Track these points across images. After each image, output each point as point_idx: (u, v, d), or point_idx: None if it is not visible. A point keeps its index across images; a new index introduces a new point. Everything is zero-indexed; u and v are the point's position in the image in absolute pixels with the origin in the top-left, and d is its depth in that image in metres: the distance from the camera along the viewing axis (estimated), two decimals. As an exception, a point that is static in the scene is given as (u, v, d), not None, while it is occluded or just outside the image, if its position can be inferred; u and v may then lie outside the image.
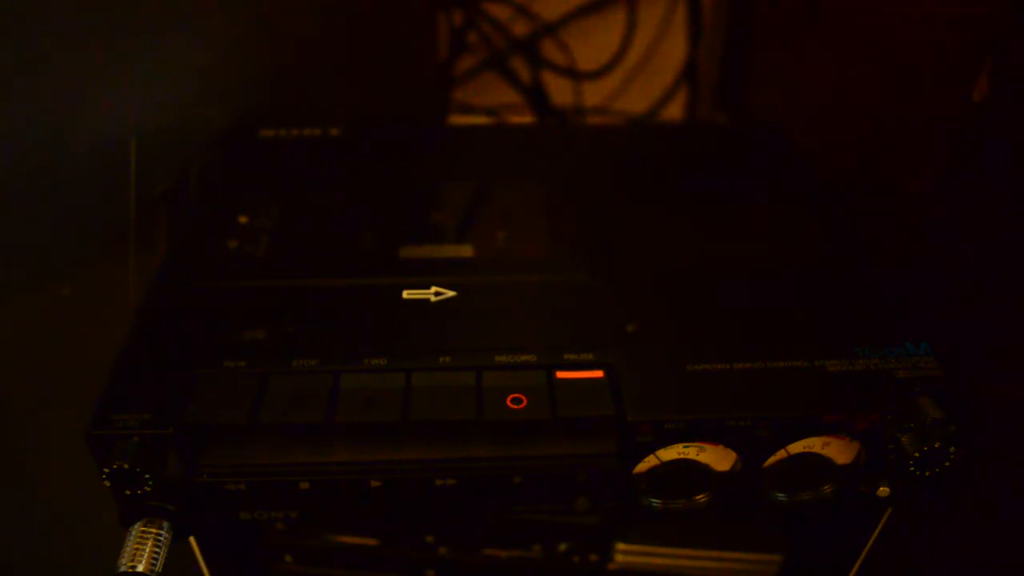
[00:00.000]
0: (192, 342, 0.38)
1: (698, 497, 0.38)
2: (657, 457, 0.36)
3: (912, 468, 0.35)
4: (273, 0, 0.58)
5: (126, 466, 0.33)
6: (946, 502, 0.39)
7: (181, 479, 0.35)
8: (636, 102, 0.82)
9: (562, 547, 0.47)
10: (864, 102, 0.51)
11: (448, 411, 0.35)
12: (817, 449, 0.36)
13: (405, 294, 0.41)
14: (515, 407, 0.35)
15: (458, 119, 0.82)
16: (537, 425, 0.35)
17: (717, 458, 0.36)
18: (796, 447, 0.36)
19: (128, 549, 0.34)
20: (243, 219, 0.46)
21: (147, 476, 0.34)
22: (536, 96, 0.81)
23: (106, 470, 0.33)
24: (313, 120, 0.55)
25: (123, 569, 0.34)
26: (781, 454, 0.36)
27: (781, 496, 0.38)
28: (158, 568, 0.34)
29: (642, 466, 0.36)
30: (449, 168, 0.52)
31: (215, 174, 0.51)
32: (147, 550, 0.34)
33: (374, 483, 0.36)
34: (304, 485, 0.36)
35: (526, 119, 0.81)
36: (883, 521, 0.42)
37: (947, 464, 0.35)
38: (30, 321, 0.46)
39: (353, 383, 0.36)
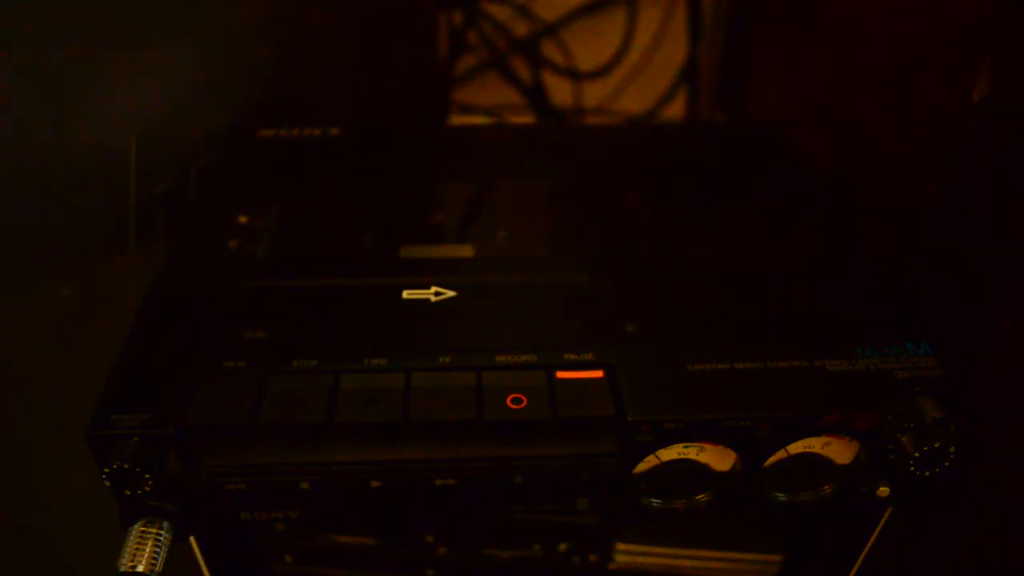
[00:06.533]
0: (192, 342, 0.38)
1: (698, 497, 0.38)
2: (657, 457, 0.36)
3: (912, 468, 0.35)
4: (273, 0, 0.58)
5: (126, 466, 0.33)
6: (946, 502, 0.39)
7: (181, 479, 0.35)
8: (636, 102, 0.82)
9: (562, 547, 0.47)
10: (864, 102, 0.51)
11: (448, 411, 0.35)
12: (817, 449, 0.36)
13: (405, 294, 0.41)
14: (515, 407, 0.35)
15: (458, 119, 0.82)
16: (537, 425, 0.35)
17: (717, 458, 0.36)
18: (796, 447, 0.36)
19: (128, 549, 0.34)
20: (243, 219, 0.46)
21: (147, 476, 0.34)
22: (536, 96, 0.81)
23: (106, 470, 0.33)
24: (313, 120, 0.55)
25: (123, 569, 0.34)
26: (781, 454, 0.36)
27: (781, 496, 0.38)
28: (158, 568, 0.34)
29: (642, 466, 0.36)
30: (449, 168, 0.52)
31: (215, 174, 0.51)
32: (147, 550, 0.34)
33: (374, 483, 0.36)
34: (304, 485, 0.36)
35: (526, 119, 0.81)
36: (883, 521, 0.42)
37: (947, 464, 0.35)
38: (30, 321, 0.46)
39: (353, 383, 0.36)
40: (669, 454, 0.36)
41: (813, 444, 0.36)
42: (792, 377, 0.36)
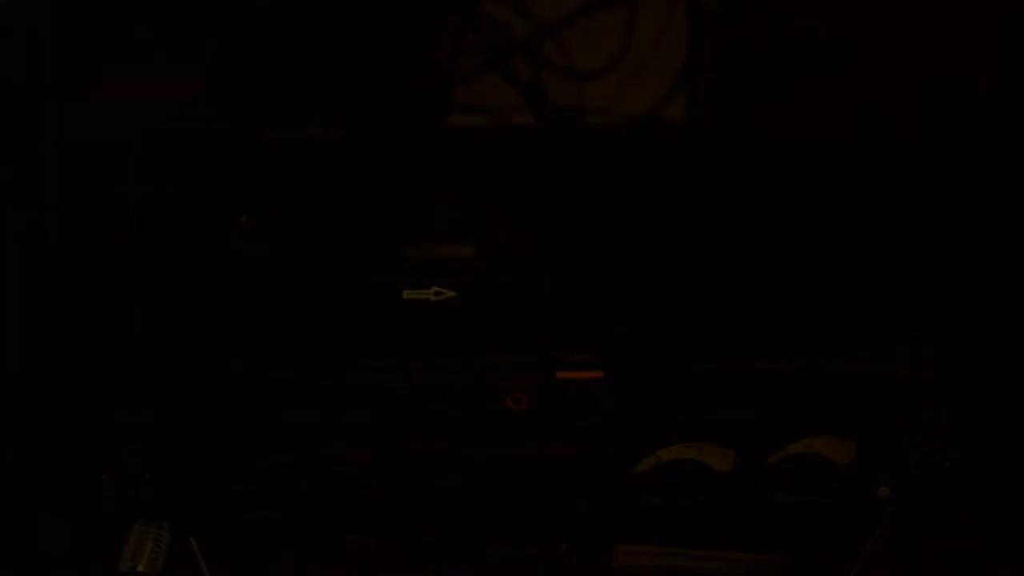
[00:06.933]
0: (192, 342, 0.38)
1: (698, 497, 0.38)
2: (657, 457, 0.36)
3: (912, 468, 0.35)
4: (275, 1, 0.58)
5: (126, 466, 0.33)
6: (946, 502, 0.39)
7: (181, 479, 0.35)
8: (636, 102, 0.82)
9: (562, 547, 0.47)
10: (863, 101, 0.51)
11: (448, 411, 0.35)
12: (817, 449, 0.36)
13: (405, 294, 0.41)
14: (515, 407, 0.35)
15: (458, 119, 0.82)
16: (537, 425, 0.35)
17: (717, 458, 0.36)
18: (796, 447, 0.36)
19: (128, 549, 0.34)
20: (243, 219, 0.46)
21: (147, 476, 0.34)
22: (536, 96, 0.81)
23: (106, 470, 0.33)
24: (313, 120, 0.55)
25: (123, 569, 0.34)
26: (781, 454, 0.36)
27: (781, 496, 0.38)
28: (158, 568, 0.34)
29: (642, 466, 0.36)
30: (450, 168, 0.52)
31: (215, 174, 0.51)
32: (147, 550, 0.34)
33: (374, 483, 0.36)
34: (304, 485, 0.36)
35: (526, 119, 0.81)
36: (883, 521, 0.42)
37: (947, 464, 0.35)
38: (30, 321, 0.46)
39: (353, 383, 0.36)
40: (669, 454, 0.36)
41: (813, 444, 0.36)
42: (792, 377, 0.36)
